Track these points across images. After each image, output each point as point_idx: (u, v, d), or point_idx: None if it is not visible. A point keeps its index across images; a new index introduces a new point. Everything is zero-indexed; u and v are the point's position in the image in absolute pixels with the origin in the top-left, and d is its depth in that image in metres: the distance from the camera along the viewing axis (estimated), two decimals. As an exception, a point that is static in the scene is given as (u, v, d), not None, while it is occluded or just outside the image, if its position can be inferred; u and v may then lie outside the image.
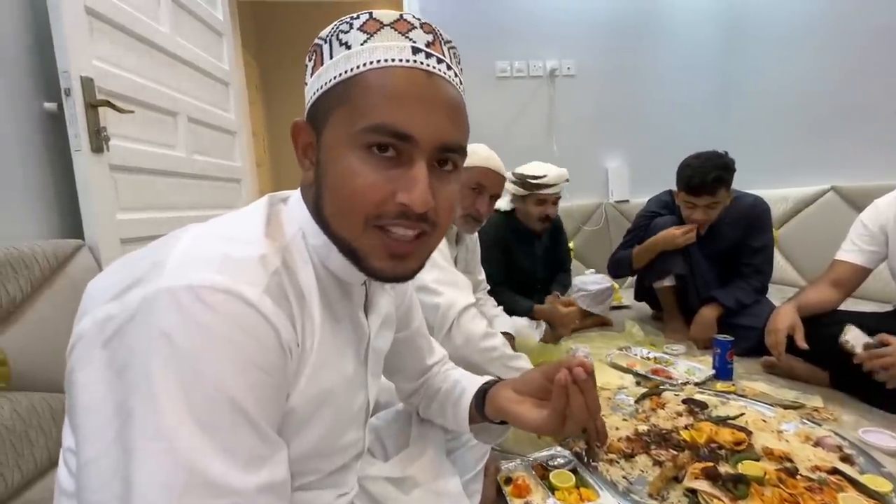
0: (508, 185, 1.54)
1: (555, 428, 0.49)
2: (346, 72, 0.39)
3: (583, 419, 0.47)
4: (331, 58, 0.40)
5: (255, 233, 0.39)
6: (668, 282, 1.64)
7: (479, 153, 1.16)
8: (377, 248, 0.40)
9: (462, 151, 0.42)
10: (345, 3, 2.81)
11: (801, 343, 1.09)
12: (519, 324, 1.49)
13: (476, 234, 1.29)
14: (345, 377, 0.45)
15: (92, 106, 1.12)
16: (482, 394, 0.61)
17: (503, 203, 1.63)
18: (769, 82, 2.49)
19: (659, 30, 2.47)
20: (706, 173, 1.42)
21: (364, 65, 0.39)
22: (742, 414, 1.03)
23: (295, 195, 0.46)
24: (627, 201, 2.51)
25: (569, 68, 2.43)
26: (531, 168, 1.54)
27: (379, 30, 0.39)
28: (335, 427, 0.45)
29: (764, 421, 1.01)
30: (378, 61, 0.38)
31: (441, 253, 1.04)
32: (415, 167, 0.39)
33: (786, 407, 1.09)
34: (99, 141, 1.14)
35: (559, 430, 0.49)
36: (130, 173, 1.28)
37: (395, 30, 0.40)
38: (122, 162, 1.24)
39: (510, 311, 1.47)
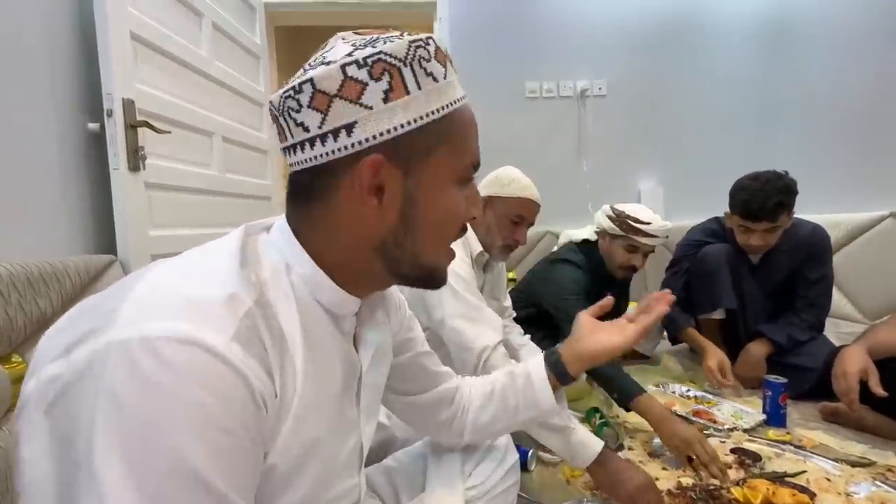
0: (601, 219, 1.40)
1: (636, 337, 0.61)
2: (441, 108, 0.40)
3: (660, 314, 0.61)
4: (419, 88, 0.38)
5: (224, 269, 0.34)
6: (717, 315, 1.51)
7: (519, 182, 1.11)
8: (446, 256, 0.45)
9: None
10: (383, 28, 2.89)
11: (878, 389, 0.97)
12: None
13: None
14: (333, 422, 0.41)
15: (132, 126, 1.16)
16: (555, 360, 0.62)
17: (585, 231, 1.48)
18: (818, 98, 2.35)
19: (695, 46, 2.39)
20: (766, 198, 1.28)
21: (454, 102, 0.41)
22: (803, 471, 0.92)
23: (278, 223, 0.42)
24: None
25: (600, 88, 2.38)
26: (636, 210, 1.35)
27: (446, 61, 0.41)
28: (324, 478, 0.41)
29: (828, 480, 0.89)
30: (458, 100, 0.41)
31: (465, 283, 0.98)
32: (473, 188, 0.46)
33: (853, 464, 0.96)
34: (136, 160, 1.18)
35: (639, 337, 0.61)
36: (165, 191, 1.31)
37: (449, 60, 0.42)
38: (157, 180, 1.27)
39: None
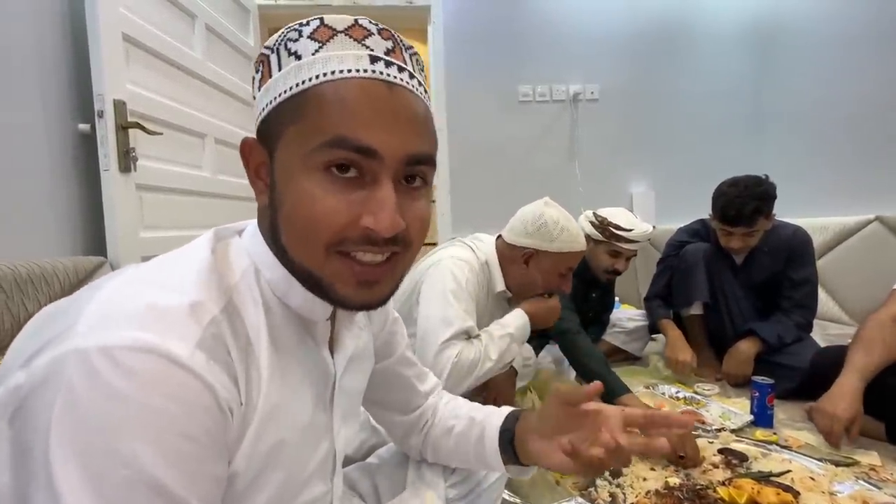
0: (584, 224, 1.40)
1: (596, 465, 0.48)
2: (296, 85, 0.35)
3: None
4: (279, 69, 0.36)
5: (191, 275, 0.34)
6: (694, 310, 1.54)
7: (569, 231, 1.00)
8: (343, 275, 0.36)
9: (431, 163, 0.38)
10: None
11: (851, 439, 1.01)
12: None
13: None
14: (300, 426, 0.40)
15: (123, 127, 1.16)
16: (508, 440, 0.56)
17: None
18: (806, 103, 2.39)
19: (686, 51, 2.42)
20: (743, 205, 1.32)
21: (317, 77, 0.35)
22: (788, 471, 0.93)
23: (251, 225, 0.41)
24: (654, 227, 2.42)
25: (592, 92, 2.40)
26: (617, 216, 1.34)
27: (332, 37, 0.35)
28: (291, 483, 0.39)
29: (812, 479, 0.91)
30: (332, 73, 0.34)
31: (462, 293, 0.95)
32: (381, 188, 0.35)
33: (837, 463, 0.97)
34: (127, 161, 1.18)
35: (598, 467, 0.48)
36: (156, 192, 1.31)
37: (350, 37, 0.36)
38: (148, 181, 1.27)
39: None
